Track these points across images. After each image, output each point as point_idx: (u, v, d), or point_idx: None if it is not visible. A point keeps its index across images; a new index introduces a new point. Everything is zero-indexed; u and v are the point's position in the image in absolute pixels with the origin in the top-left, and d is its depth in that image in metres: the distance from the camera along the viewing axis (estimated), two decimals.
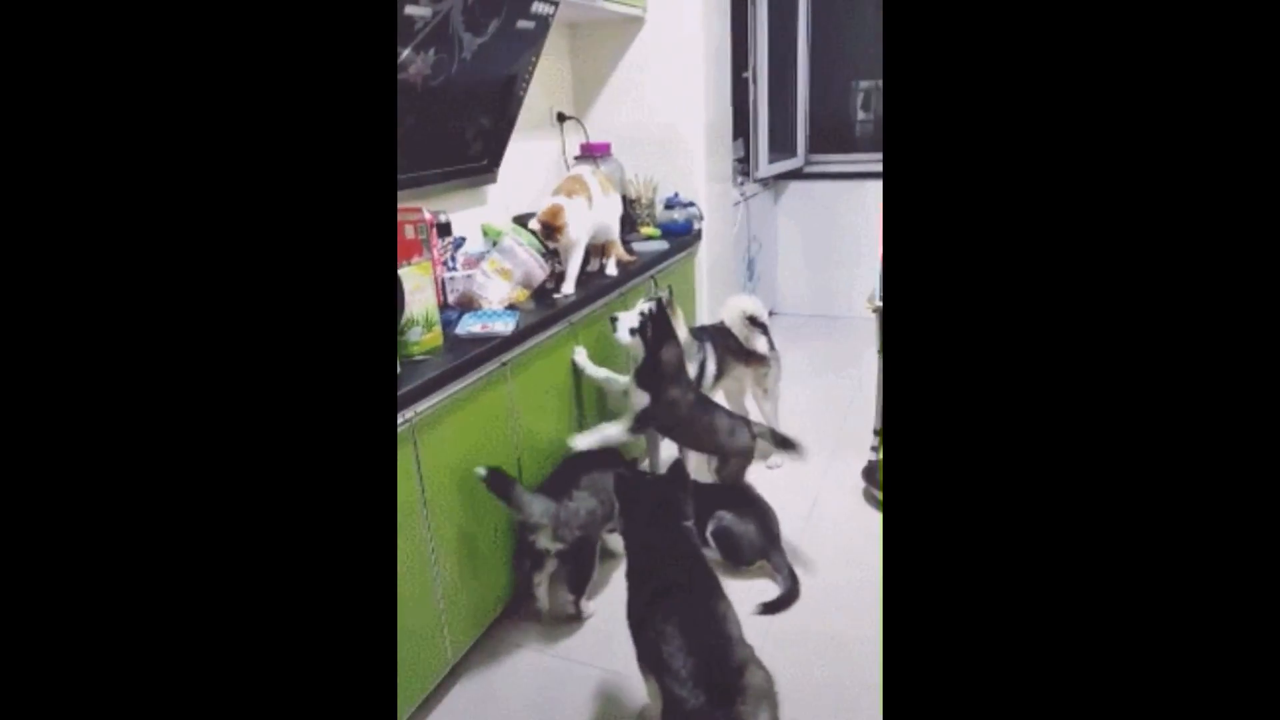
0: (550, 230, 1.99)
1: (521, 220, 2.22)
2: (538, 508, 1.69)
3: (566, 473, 1.83)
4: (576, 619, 1.87)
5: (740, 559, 1.99)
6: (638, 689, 1.53)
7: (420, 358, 1.56)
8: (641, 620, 1.35)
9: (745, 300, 2.56)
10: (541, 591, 1.89)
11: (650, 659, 1.30)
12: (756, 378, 2.60)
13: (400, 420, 1.40)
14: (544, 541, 1.74)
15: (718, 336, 2.50)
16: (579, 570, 1.82)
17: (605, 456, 1.90)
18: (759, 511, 2.02)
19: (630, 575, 1.44)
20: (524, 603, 1.90)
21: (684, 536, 1.46)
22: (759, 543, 1.98)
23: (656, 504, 1.48)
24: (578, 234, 2.05)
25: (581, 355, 2.05)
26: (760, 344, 2.54)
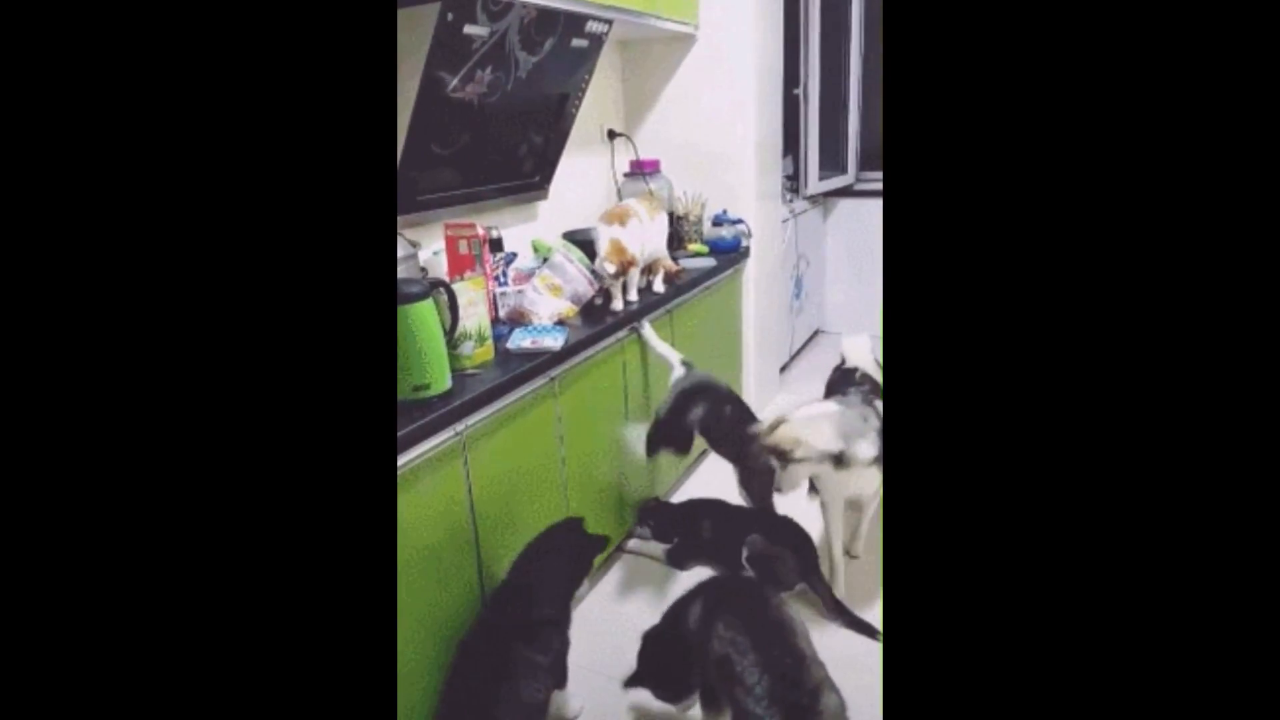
0: (623, 270, 2.02)
1: (572, 237, 2.24)
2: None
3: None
4: None
5: (779, 584, 1.94)
6: None
7: (472, 371, 1.58)
8: (699, 636, 1.33)
9: (866, 340, 2.14)
10: None
11: (719, 676, 1.27)
12: None
13: (451, 433, 1.41)
14: None
15: (867, 389, 1.98)
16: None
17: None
18: (792, 535, 1.96)
19: (675, 605, 1.43)
20: None
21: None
22: (797, 567, 1.93)
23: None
24: (638, 258, 2.10)
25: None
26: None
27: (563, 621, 1.52)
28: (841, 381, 2.03)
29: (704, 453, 2.75)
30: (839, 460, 1.69)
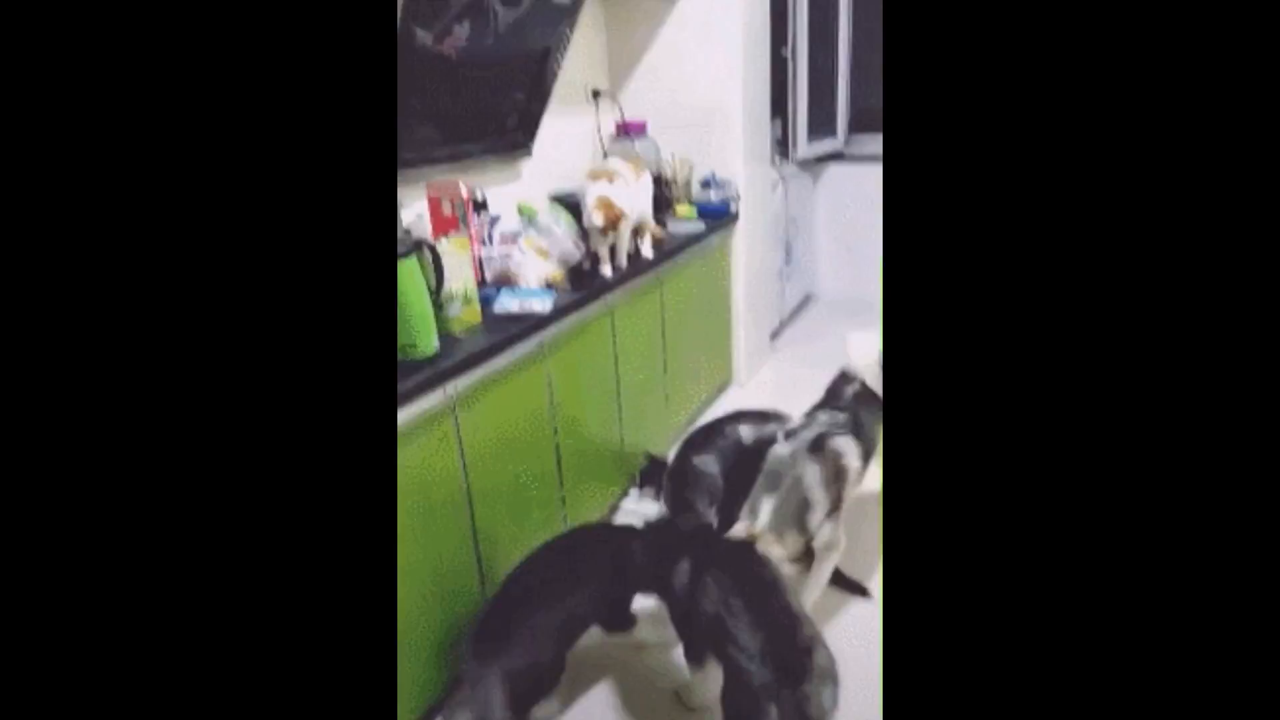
0: (612, 224, 1.95)
1: (559, 199, 2.18)
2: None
3: (501, 614, 1.39)
4: None
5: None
6: None
7: (460, 334, 1.54)
8: (689, 602, 1.33)
9: (872, 338, 1.85)
10: None
11: (710, 634, 1.27)
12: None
13: (441, 395, 1.38)
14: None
15: (862, 399, 1.80)
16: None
17: (549, 575, 1.47)
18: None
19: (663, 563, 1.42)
20: None
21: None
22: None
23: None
24: (627, 216, 2.03)
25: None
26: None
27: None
28: (831, 395, 1.85)
29: (705, 408, 2.74)
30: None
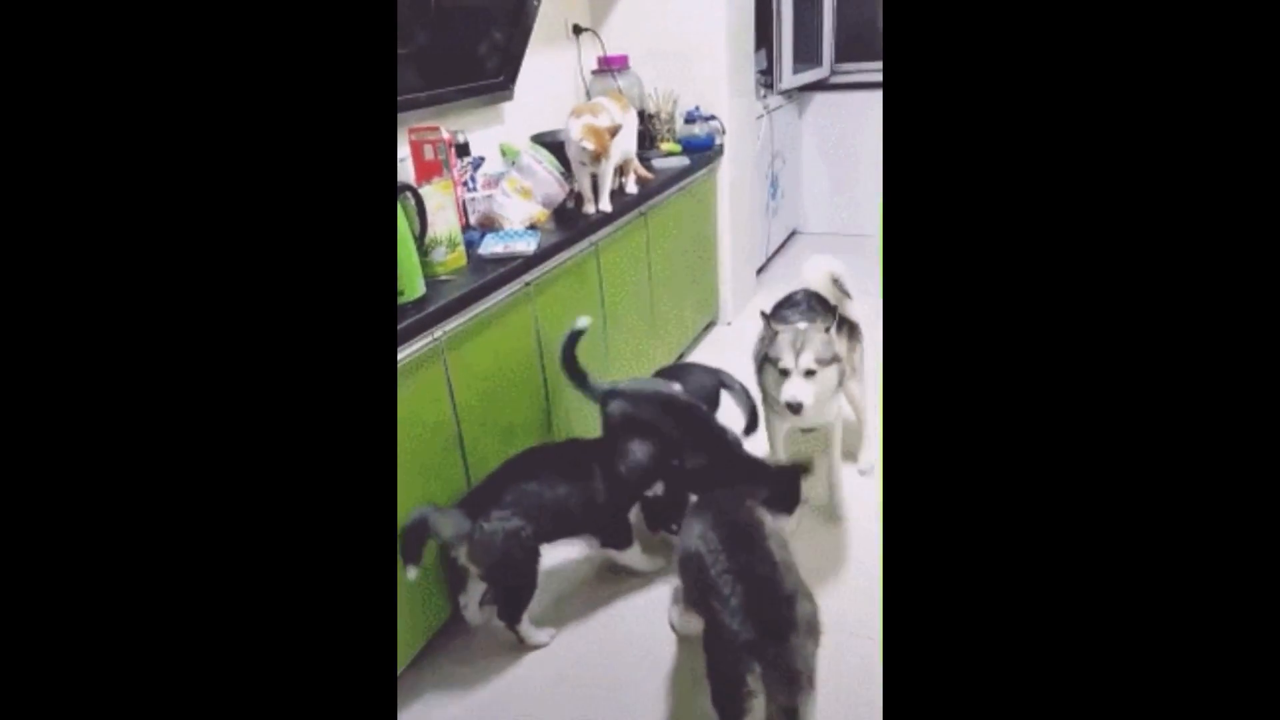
0: (603, 149, 1.96)
1: (541, 139, 2.18)
2: (449, 527, 1.45)
3: (495, 483, 1.55)
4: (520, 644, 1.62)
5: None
6: None
7: (445, 277, 1.58)
8: (689, 546, 1.32)
9: (830, 260, 2.05)
10: (471, 613, 1.65)
11: (692, 575, 1.27)
12: (847, 353, 2.00)
13: (429, 339, 1.43)
14: (464, 559, 1.51)
15: (812, 304, 1.93)
16: (509, 595, 1.57)
17: (543, 462, 1.61)
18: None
19: (687, 508, 1.44)
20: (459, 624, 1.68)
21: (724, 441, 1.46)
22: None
23: (692, 424, 1.47)
24: (612, 150, 2.03)
25: None
26: (853, 311, 2.06)
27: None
28: (781, 306, 1.96)
29: (693, 344, 2.80)
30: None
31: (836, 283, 2.00)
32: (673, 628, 1.62)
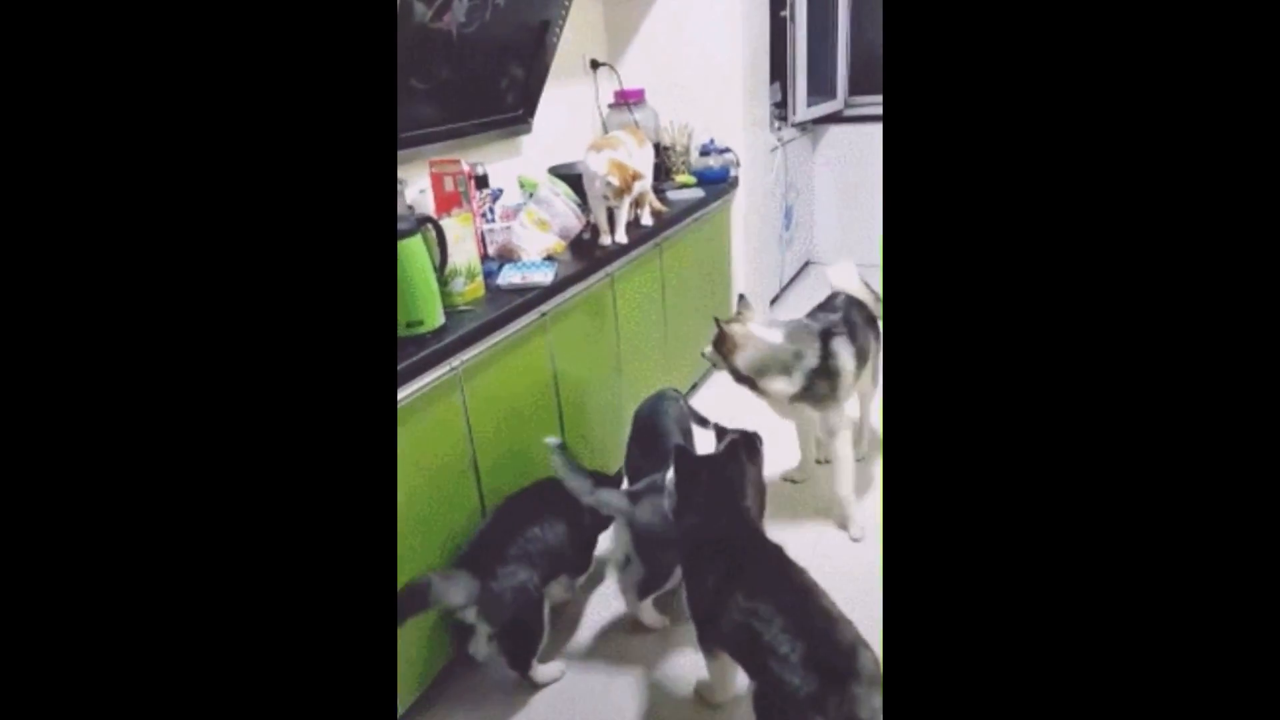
0: (628, 185, 1.99)
1: (558, 172, 2.22)
2: (458, 594, 1.40)
3: (495, 534, 1.52)
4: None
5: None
6: None
7: (464, 308, 1.60)
8: (714, 606, 1.30)
9: (850, 266, 2.10)
10: (479, 650, 1.55)
11: (739, 645, 1.26)
12: (875, 352, 2.08)
13: (447, 368, 1.44)
14: (473, 619, 1.47)
15: (850, 307, 1.98)
16: (520, 643, 1.52)
17: (541, 504, 1.60)
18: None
19: (689, 563, 1.41)
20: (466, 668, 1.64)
21: (743, 516, 1.43)
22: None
23: (713, 484, 1.43)
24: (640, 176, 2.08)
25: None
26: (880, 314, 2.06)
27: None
28: (819, 308, 2.03)
29: (706, 375, 2.80)
30: (751, 385, 1.84)
31: (866, 284, 2.08)
32: (700, 697, 1.55)
